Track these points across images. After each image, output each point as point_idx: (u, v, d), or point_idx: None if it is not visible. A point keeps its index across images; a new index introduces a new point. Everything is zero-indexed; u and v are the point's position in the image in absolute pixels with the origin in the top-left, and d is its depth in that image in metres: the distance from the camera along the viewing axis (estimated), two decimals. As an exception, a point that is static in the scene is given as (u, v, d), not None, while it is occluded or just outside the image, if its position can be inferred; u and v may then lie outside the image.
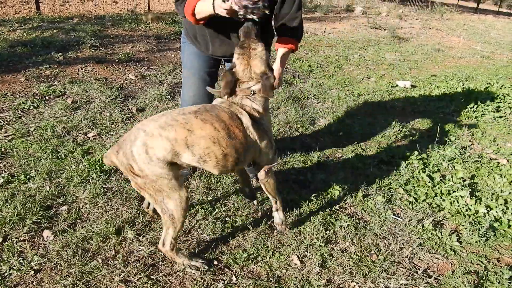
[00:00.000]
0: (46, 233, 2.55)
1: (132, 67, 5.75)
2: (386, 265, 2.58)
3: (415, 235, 2.91)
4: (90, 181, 3.10)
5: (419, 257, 2.72)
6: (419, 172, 3.78)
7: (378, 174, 3.69)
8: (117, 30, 7.53)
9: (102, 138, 3.80)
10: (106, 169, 3.25)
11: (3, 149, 3.39)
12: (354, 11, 15.12)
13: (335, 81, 6.38)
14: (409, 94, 6.16)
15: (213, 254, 2.53)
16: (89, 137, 3.77)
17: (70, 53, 5.87)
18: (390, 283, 2.45)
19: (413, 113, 5.45)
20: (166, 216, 2.17)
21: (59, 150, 3.46)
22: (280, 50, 2.71)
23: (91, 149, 3.57)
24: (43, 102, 4.34)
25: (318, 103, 5.40)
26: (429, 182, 3.63)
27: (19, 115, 4.00)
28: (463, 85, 6.68)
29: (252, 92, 2.33)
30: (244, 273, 2.42)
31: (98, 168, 3.24)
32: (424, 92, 6.31)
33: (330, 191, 3.33)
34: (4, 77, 4.79)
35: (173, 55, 6.55)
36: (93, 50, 6.14)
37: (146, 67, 5.83)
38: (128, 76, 5.38)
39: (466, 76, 7.45)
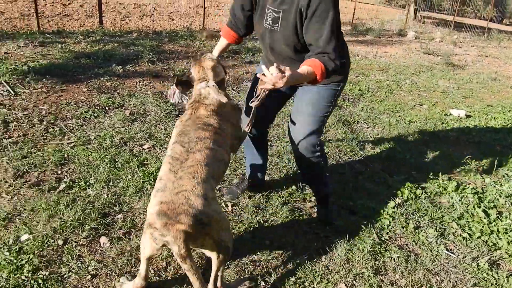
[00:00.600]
0: (103, 239, 2.66)
1: (186, 82, 5.93)
2: (438, 303, 2.50)
3: (469, 273, 2.80)
4: (145, 191, 3.21)
5: (473, 297, 2.62)
6: (473, 206, 3.65)
7: (430, 206, 3.59)
8: (173, 46, 7.81)
9: (156, 150, 3.93)
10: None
11: (66, 155, 3.58)
12: (406, 36, 14.92)
13: (386, 106, 6.30)
14: (464, 124, 5.98)
15: (260, 275, 2.54)
16: (144, 149, 3.91)
17: (129, 66, 6.14)
18: (442, 322, 2.37)
19: (467, 143, 5.28)
20: (222, 249, 2.09)
21: (116, 160, 3.61)
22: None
23: (146, 160, 3.70)
24: (103, 112, 4.55)
25: (368, 127, 5.34)
26: (484, 218, 3.49)
27: (81, 123, 4.22)
28: (523, 117, 6.41)
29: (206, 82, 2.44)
30: (292, 297, 2.42)
31: (152, 179, 3.35)
32: (480, 122, 6.11)
33: (380, 220, 3.28)
34: (69, 86, 5.08)
35: (225, 73, 6.70)
36: (151, 65, 6.39)
37: (199, 83, 5.99)
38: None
39: (526, 109, 7.15)
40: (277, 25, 2.50)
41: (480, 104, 7.33)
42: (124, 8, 11.76)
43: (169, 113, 4.73)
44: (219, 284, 2.25)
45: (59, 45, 6.68)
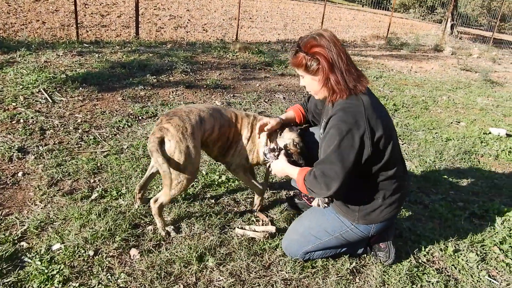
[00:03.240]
0: (133, 251, 2.63)
1: (218, 93, 5.94)
2: (481, 334, 2.34)
3: (514, 303, 2.63)
4: (175, 203, 3.18)
5: (519, 329, 2.44)
6: (517, 230, 3.45)
7: (470, 229, 3.41)
8: (206, 57, 7.87)
9: (187, 161, 3.90)
10: (191, 193, 3.33)
11: (99, 164, 3.60)
12: (442, 51, 14.59)
13: (422, 123, 6.11)
14: (504, 143, 5.73)
15: (293, 295, 2.45)
16: (176, 160, 3.90)
17: (163, 76, 6.21)
18: None
19: (508, 163, 5.04)
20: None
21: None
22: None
23: (177, 171, 3.68)
24: (136, 121, 4.59)
25: (403, 144, 5.18)
26: (529, 243, 3.29)
27: (114, 132, 4.26)
28: None
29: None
30: (324, 320, 2.31)
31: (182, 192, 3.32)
32: (521, 142, 5.84)
33: (417, 241, 3.13)
34: (104, 95, 5.16)
35: (257, 84, 6.69)
36: (184, 75, 6.44)
37: (231, 95, 5.99)
38: (214, 102, 5.55)
39: None
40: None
41: (522, 122, 7.02)
42: (160, 19, 11.99)
43: (201, 124, 4.72)
44: None
45: (96, 55, 6.83)
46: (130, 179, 3.42)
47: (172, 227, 2.89)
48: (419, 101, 7.32)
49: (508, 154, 5.34)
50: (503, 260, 3.06)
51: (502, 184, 4.38)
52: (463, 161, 4.87)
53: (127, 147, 3.98)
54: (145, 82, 5.83)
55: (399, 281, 2.65)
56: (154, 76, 6.08)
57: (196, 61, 7.47)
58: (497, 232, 3.40)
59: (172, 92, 5.65)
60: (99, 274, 2.42)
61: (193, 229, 2.92)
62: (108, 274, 2.43)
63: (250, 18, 14.71)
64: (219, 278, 2.51)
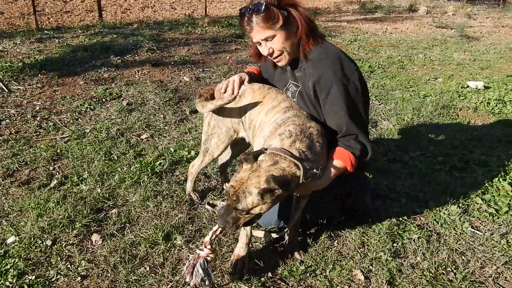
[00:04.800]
0: (95, 237, 2.46)
1: (187, 69, 5.71)
2: (466, 285, 2.23)
3: (498, 251, 2.53)
4: (141, 183, 3.00)
5: (505, 277, 2.34)
6: (498, 180, 3.35)
7: (451, 182, 3.31)
8: (174, 34, 7.58)
9: (155, 140, 3.72)
10: (158, 171, 3.15)
11: (59, 151, 3.39)
12: (417, 11, 14.40)
13: (398, 82, 5.97)
14: (482, 95, 5.62)
15: (267, 265, 2.31)
16: (142, 139, 3.71)
17: (128, 56, 5.94)
18: (471, 308, 2.11)
19: (487, 115, 4.94)
20: None
21: (112, 152, 3.41)
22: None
23: (143, 151, 3.49)
24: (99, 104, 4.36)
25: (380, 104, 5.04)
26: (511, 191, 3.20)
27: (76, 117, 4.03)
28: (545, 85, 6.02)
29: None
30: (301, 288, 2.18)
31: (149, 170, 3.14)
32: (500, 93, 5.73)
33: (396, 199, 3.01)
34: (65, 80, 4.90)
35: (228, 57, 6.46)
36: (150, 54, 6.18)
37: (201, 69, 5.76)
38: (182, 78, 5.33)
39: (547, 76, 6.73)
40: (294, 100, 2.39)
41: (499, 74, 6.92)
42: (125, 1, 11.56)
43: (168, 101, 4.51)
44: None
45: (57, 40, 6.51)
46: (92, 163, 3.23)
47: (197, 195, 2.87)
48: (395, 61, 7.17)
49: (487, 106, 5.24)
50: (486, 210, 2.96)
51: (482, 135, 4.28)
52: (441, 116, 4.75)
53: (90, 131, 3.76)
54: (109, 63, 5.56)
55: (379, 241, 2.53)
56: (118, 57, 5.81)
57: (163, 38, 7.19)
58: (478, 183, 3.30)
59: (138, 72, 5.40)
60: (58, 264, 2.24)
61: (161, 208, 2.75)
62: (68, 263, 2.26)
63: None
64: (188, 256, 2.35)
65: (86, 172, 3.11)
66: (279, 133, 2.02)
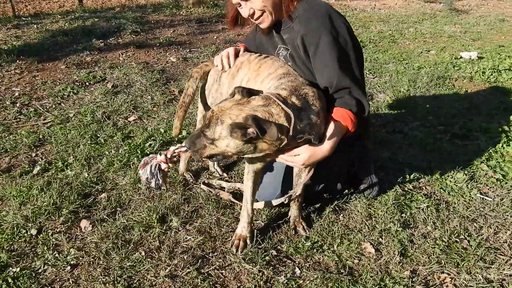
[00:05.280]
0: (84, 223, 2.29)
1: (173, 50, 5.49)
2: (481, 253, 2.12)
3: (511, 216, 2.42)
4: (131, 166, 2.83)
5: (520, 243, 2.23)
6: (502, 146, 3.24)
7: (453, 150, 3.19)
8: (158, 16, 7.31)
9: (143, 121, 3.53)
10: (148, 152, 2.97)
11: (41, 136, 3.19)
12: (403, -14, 14.18)
13: (391, 56, 5.82)
14: (477, 65, 5.50)
15: (271, 243, 2.17)
16: (130, 121, 3.52)
17: (111, 39, 5.69)
18: (490, 274, 2.00)
19: (483, 83, 4.82)
20: None
21: (98, 135, 3.23)
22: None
23: (131, 133, 3.31)
24: (83, 88, 4.14)
25: (374, 78, 4.89)
26: (517, 156, 3.09)
27: (58, 101, 3.82)
28: (539, 52, 5.92)
29: None
30: (309, 265, 2.04)
31: (139, 152, 2.97)
32: (494, 62, 5.61)
33: (400, 169, 2.88)
34: (45, 65, 4.66)
35: (215, 37, 6.23)
36: (134, 36, 5.93)
37: (188, 50, 5.54)
38: (169, 59, 5.12)
39: (539, 44, 6.65)
40: (289, 63, 2.24)
41: (491, 45, 6.81)
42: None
43: (155, 82, 4.31)
44: None
45: (35, 26, 6.22)
46: (78, 147, 3.04)
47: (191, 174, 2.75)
48: (386, 36, 7.00)
49: (482, 75, 5.12)
50: (492, 176, 2.85)
51: (480, 103, 4.16)
52: (437, 87, 4.62)
53: (74, 115, 3.56)
54: (91, 47, 5.32)
55: (386, 212, 2.40)
56: (100, 40, 5.56)
57: (146, 20, 6.92)
58: (482, 150, 3.19)
59: (122, 54, 5.17)
60: (45, 254, 2.07)
61: (153, 190, 2.58)
62: (56, 252, 2.09)
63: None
64: (186, 238, 2.20)
65: (72, 157, 2.92)
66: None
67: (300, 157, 1.86)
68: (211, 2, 8.38)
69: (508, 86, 4.72)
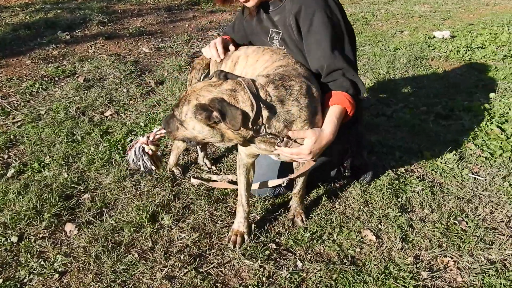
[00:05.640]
0: (69, 226, 2.14)
1: (145, 40, 5.27)
2: (481, 234, 2.11)
3: (504, 194, 2.43)
4: (113, 163, 2.68)
5: (516, 220, 2.24)
6: (486, 124, 3.26)
7: (440, 130, 3.19)
8: (125, 5, 7.01)
9: (120, 116, 3.37)
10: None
11: (12, 137, 2.99)
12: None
13: (366, 38, 5.80)
14: (451, 44, 5.55)
15: (269, 236, 2.09)
16: (107, 116, 3.34)
17: (77, 31, 5.41)
18: (491, 255, 1.99)
19: (459, 62, 4.86)
20: None
21: (74, 133, 3.05)
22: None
23: (110, 128, 3.15)
24: (52, 83, 3.91)
25: (352, 61, 4.84)
26: (501, 133, 3.11)
27: (27, 99, 3.59)
28: (508, 29, 6.02)
29: None
30: (311, 256, 1.98)
31: (120, 148, 2.82)
32: (466, 40, 5.68)
33: (391, 153, 2.85)
34: (8, 61, 4.37)
35: (187, 25, 6.04)
36: (102, 27, 5.66)
37: (160, 39, 5.34)
38: (142, 50, 4.91)
39: (507, 22, 6.77)
40: (283, 48, 2.14)
41: (461, 23, 6.90)
42: (65, -24, 10.67)
43: (129, 74, 4.12)
44: None
45: (-7, 20, 5.85)
46: (53, 147, 2.86)
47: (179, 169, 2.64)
48: (359, 18, 6.98)
49: (457, 53, 5.17)
50: (480, 155, 2.86)
51: (458, 82, 4.19)
52: (415, 67, 4.62)
53: (46, 112, 3.35)
54: (56, 40, 5.03)
55: (382, 197, 2.36)
56: (66, 33, 5.26)
57: (113, 10, 6.63)
58: (467, 129, 3.20)
59: (91, 46, 4.92)
60: (29, 262, 1.93)
61: (140, 188, 2.46)
62: (41, 259, 1.94)
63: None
64: (180, 236, 2.09)
65: (48, 156, 2.74)
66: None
67: (305, 146, 1.74)
68: (179, -11, 8.11)
69: (483, 64, 4.78)
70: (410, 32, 6.20)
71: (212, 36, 5.58)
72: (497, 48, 5.31)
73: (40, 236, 2.09)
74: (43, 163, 2.67)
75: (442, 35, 5.97)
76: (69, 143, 2.90)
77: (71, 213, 2.25)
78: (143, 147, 1.96)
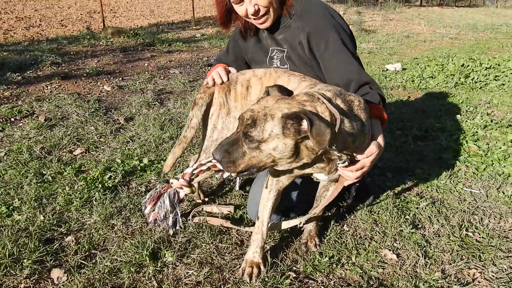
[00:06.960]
0: (56, 273, 1.86)
1: (104, 79, 5.05)
2: (496, 243, 2.07)
3: (504, 205, 2.44)
4: (94, 201, 2.42)
5: (522, 228, 2.24)
6: (462, 142, 3.36)
7: (423, 149, 3.23)
8: (76, 47, 6.79)
9: (92, 153, 3.11)
10: (110, 185, 2.58)
11: (-30, 181, 2.64)
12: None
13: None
14: (404, 75, 5.82)
15: (285, 264, 1.92)
16: (76, 155, 3.07)
17: (28, 72, 5.10)
18: (513, 264, 1.95)
19: (416, 91, 5.10)
20: None
21: (44, 173, 2.75)
22: None
23: (83, 166, 2.88)
24: (8, 124, 3.58)
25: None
26: (478, 150, 3.20)
27: (-18, 141, 3.24)
28: (452, 61, 6.45)
29: None
30: (334, 282, 1.83)
31: (100, 185, 2.57)
32: (417, 71, 5.99)
33: (382, 174, 2.83)
34: (-46, 104, 3.99)
35: (146, 64, 5.90)
36: (55, 67, 5.38)
37: (120, 78, 5.15)
38: (103, 88, 4.68)
39: (447, 55, 7.30)
40: (285, 66, 2.11)
41: (407, 57, 7.33)
42: (4, 22, 10.23)
43: (94, 112, 3.88)
44: None
45: None
46: (21, 188, 2.55)
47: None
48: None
49: (412, 83, 5.43)
50: (467, 171, 2.90)
51: (424, 108, 4.34)
52: (380, 96, 4.75)
53: (6, 154, 3.03)
54: (7, 81, 4.70)
55: (390, 216, 2.29)
56: (17, 74, 4.94)
57: (65, 52, 6.37)
58: (446, 148, 3.27)
59: (47, 86, 4.62)
60: (14, 318, 1.62)
61: (131, 225, 2.21)
62: (28, 314, 1.65)
63: (111, 9, 13.46)
64: (187, 273, 1.87)
65: (16, 199, 2.43)
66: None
67: (370, 158, 1.61)
68: (131, 32, 8.01)
69: (439, 91, 5.02)
70: (364, 67, 6.44)
71: (174, 73, 5.47)
72: (446, 77, 5.63)
73: (22, 286, 1.79)
74: (11, 207, 2.35)
75: (394, 67, 6.28)
76: (39, 184, 2.60)
77: (55, 258, 1.96)
78: (179, 192, 1.67)
